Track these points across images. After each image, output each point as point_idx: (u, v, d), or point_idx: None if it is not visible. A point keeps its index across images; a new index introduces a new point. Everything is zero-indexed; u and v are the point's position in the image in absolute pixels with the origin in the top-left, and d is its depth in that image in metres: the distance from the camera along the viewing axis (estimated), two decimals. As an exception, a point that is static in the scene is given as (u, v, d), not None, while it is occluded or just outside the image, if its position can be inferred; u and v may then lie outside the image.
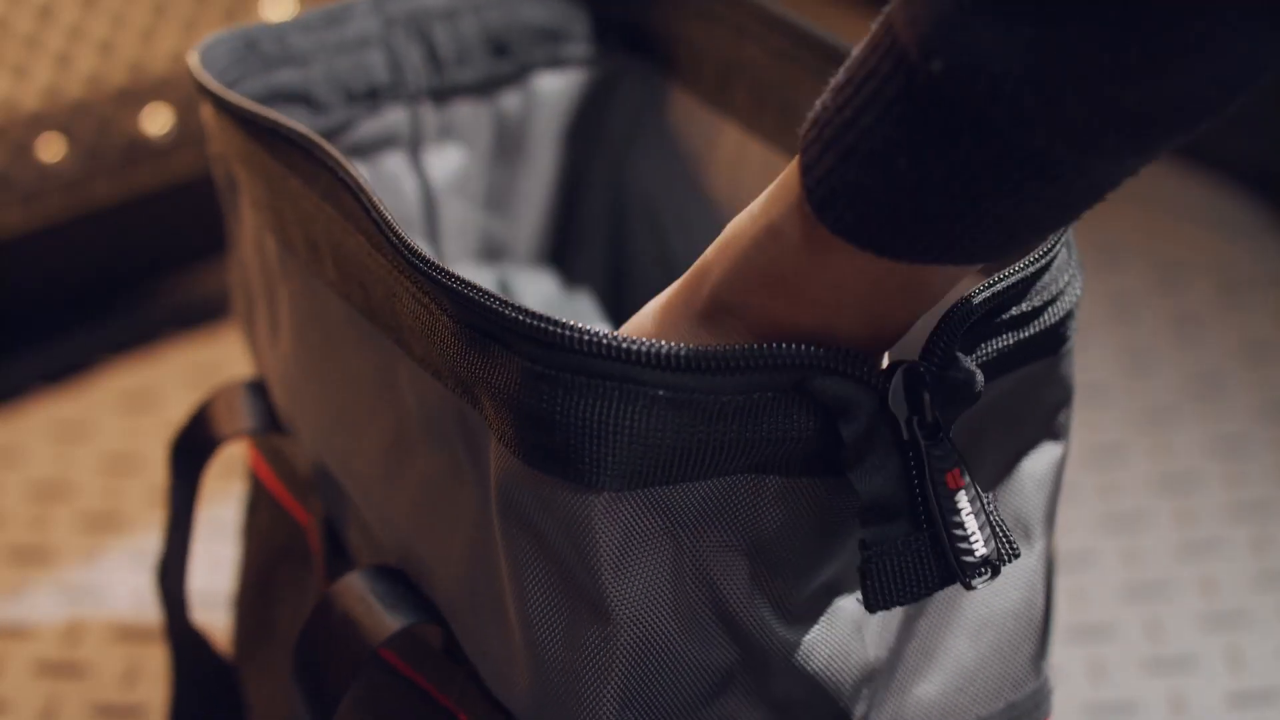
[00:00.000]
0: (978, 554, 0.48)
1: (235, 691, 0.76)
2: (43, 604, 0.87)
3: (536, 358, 0.48)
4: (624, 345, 0.47)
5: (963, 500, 0.48)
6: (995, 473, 0.55)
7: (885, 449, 0.48)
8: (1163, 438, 0.99)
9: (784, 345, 0.47)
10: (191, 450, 0.69)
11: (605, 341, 0.47)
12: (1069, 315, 0.54)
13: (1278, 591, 0.88)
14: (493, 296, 0.49)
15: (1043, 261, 0.52)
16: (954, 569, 0.48)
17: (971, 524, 0.48)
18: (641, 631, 0.50)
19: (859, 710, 0.54)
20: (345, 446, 0.61)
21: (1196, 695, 0.83)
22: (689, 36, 0.73)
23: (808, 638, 0.52)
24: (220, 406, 0.69)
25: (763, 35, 0.69)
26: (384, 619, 0.56)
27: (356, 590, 0.58)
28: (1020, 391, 0.54)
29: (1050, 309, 0.53)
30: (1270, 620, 0.87)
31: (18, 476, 0.95)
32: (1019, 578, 0.56)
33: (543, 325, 0.48)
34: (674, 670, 0.51)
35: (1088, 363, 1.02)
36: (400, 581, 0.58)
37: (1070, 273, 0.54)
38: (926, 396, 0.48)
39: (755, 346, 0.47)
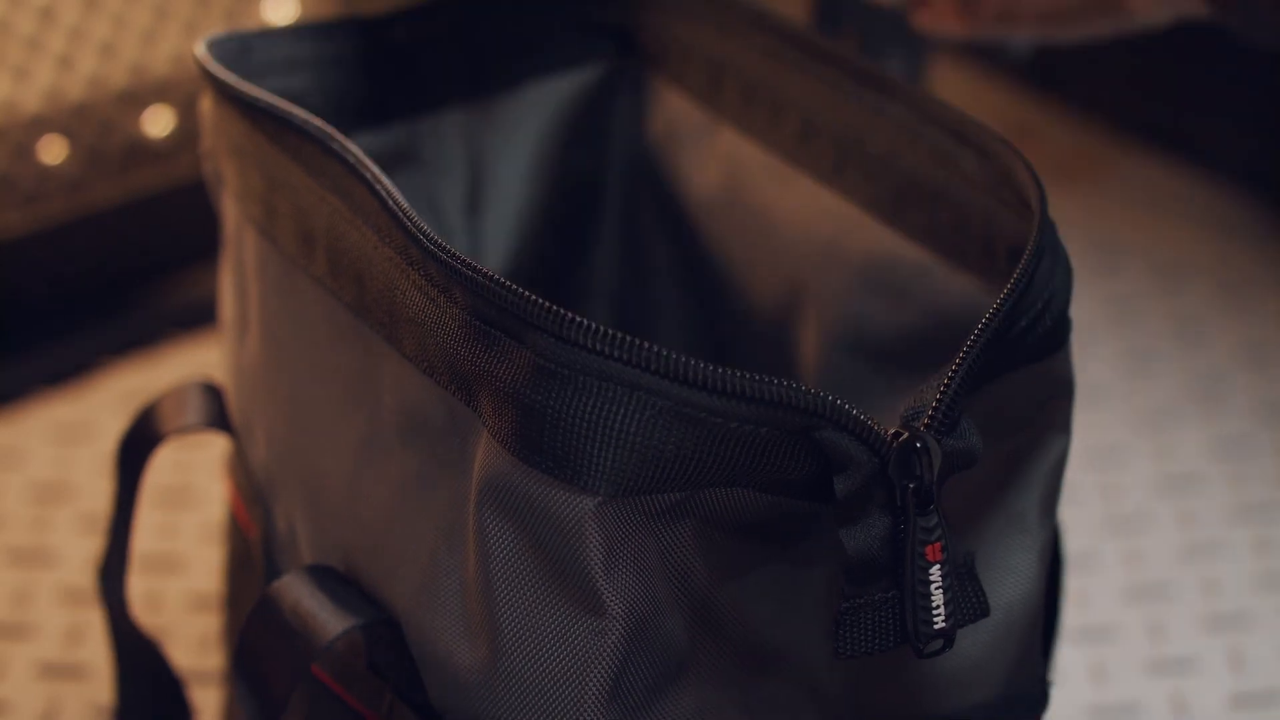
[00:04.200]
0: (936, 627, 0.50)
1: (183, 700, 0.75)
2: (43, 606, 0.87)
3: (548, 353, 0.48)
4: (641, 351, 0.47)
5: (936, 574, 0.49)
6: (995, 469, 0.55)
7: (877, 511, 0.49)
8: (1164, 439, 0.99)
9: (802, 388, 0.48)
10: (135, 448, 0.69)
11: (621, 344, 0.47)
12: (1062, 316, 0.54)
13: (1279, 593, 0.88)
14: (508, 286, 0.49)
15: (1025, 281, 0.52)
16: (910, 635, 0.49)
17: (938, 598, 0.49)
18: (633, 624, 0.50)
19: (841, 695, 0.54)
20: (308, 447, 0.60)
21: (1198, 697, 0.83)
22: (677, 37, 0.73)
23: (782, 626, 0.52)
24: (167, 404, 0.69)
25: (749, 35, 0.69)
26: (334, 616, 0.55)
27: (302, 588, 0.57)
28: (1019, 389, 0.54)
29: (1043, 318, 0.53)
30: (1272, 622, 0.87)
31: (18, 478, 0.95)
32: (1017, 572, 0.57)
33: (559, 318, 0.48)
34: (662, 661, 0.51)
35: (1088, 364, 1.02)
36: (345, 581, 0.57)
37: (1058, 277, 0.54)
38: (927, 461, 0.49)
39: (774, 381, 0.48)
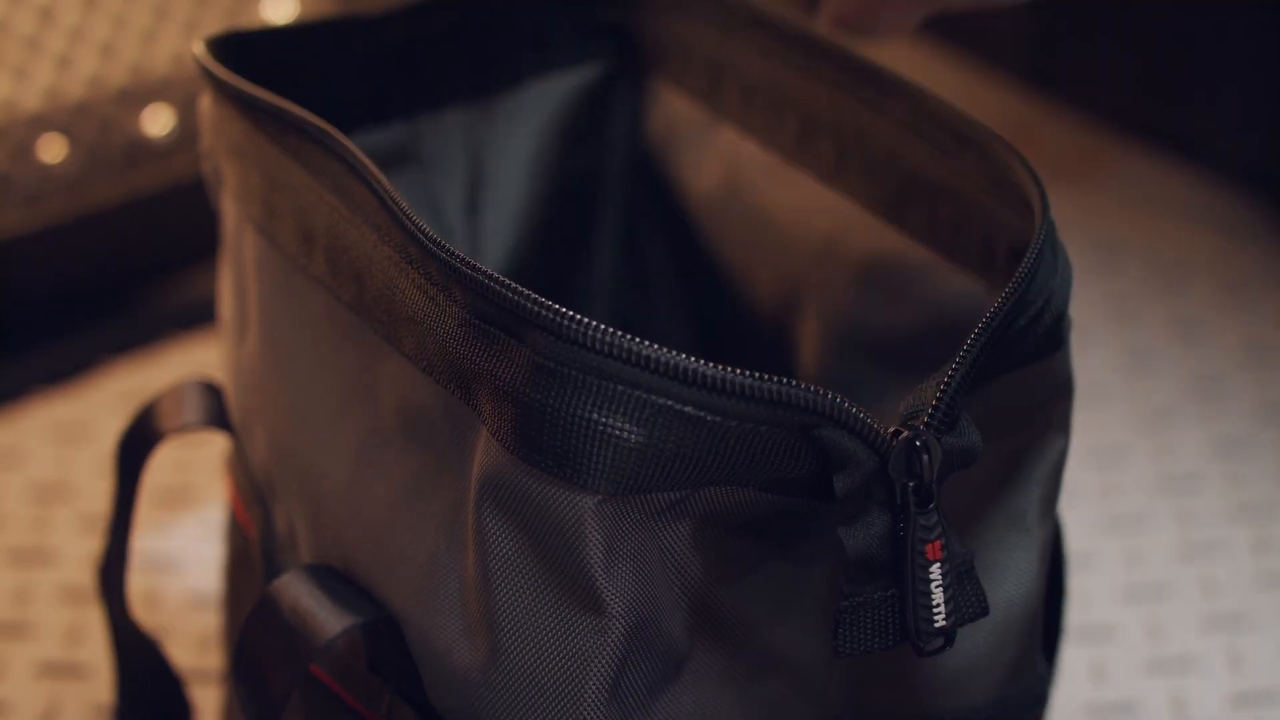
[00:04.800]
0: (936, 625, 0.50)
1: (182, 699, 0.75)
2: (43, 606, 0.87)
3: (547, 352, 0.48)
4: (639, 350, 0.47)
5: (936, 573, 0.49)
6: (995, 468, 0.55)
7: (876, 509, 0.49)
8: (1163, 439, 0.99)
9: (802, 386, 0.48)
10: (134, 447, 0.69)
11: (620, 342, 0.47)
12: (1061, 316, 0.54)
13: (1278, 592, 0.88)
14: (508, 284, 0.49)
15: (1026, 280, 0.52)
16: (911, 633, 0.49)
17: (939, 596, 0.50)
18: (632, 622, 0.50)
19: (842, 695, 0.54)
20: (307, 446, 0.60)
21: (1197, 696, 0.83)
22: (678, 37, 0.73)
23: (781, 625, 0.52)
24: (167, 403, 0.69)
25: (749, 34, 0.69)
26: (333, 615, 0.55)
27: (301, 587, 0.56)
28: (1019, 389, 0.54)
29: (1042, 317, 0.53)
30: (1271, 621, 0.87)
31: (18, 478, 0.95)
32: (1016, 571, 0.57)
33: (558, 317, 0.48)
34: (662, 660, 0.51)
35: (1088, 364, 1.02)
36: (344, 580, 0.57)
37: (1057, 277, 0.54)
38: (926, 460, 0.49)
39: (774, 379, 0.48)
